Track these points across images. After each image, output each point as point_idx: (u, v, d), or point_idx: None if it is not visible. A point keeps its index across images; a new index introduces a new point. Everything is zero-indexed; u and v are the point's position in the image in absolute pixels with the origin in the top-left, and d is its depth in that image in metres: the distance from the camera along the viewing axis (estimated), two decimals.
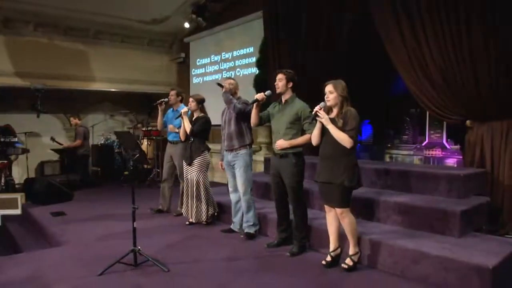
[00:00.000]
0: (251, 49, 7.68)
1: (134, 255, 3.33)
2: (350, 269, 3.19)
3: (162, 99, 5.34)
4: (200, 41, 9.05)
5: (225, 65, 8.38)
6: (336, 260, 3.31)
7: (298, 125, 3.58)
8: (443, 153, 6.02)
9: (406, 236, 3.37)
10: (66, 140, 9.70)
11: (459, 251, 2.97)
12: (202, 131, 4.54)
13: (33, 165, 8.91)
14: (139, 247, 3.34)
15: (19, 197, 6.04)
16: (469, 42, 4.11)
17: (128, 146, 3.41)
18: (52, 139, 7.39)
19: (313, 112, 3.09)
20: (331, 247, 3.33)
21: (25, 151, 8.00)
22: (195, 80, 9.35)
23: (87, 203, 6.14)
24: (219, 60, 8.57)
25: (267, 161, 5.84)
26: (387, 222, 3.73)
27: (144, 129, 8.21)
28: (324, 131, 3.14)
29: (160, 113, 5.30)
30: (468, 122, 4.42)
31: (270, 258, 3.55)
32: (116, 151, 8.80)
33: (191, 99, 4.62)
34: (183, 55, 9.58)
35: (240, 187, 4.06)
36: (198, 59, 9.19)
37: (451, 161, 5.69)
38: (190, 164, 4.59)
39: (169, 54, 9.91)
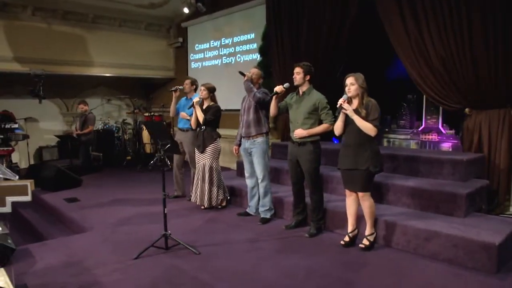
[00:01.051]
0: (252, 35, 7.75)
1: (165, 239, 3.54)
2: (367, 248, 3.48)
3: (177, 86, 5.47)
4: (199, 26, 9.04)
5: (225, 50, 8.44)
6: (353, 240, 3.61)
7: (316, 115, 3.79)
8: (439, 137, 6.35)
9: (416, 217, 3.67)
10: (64, 125, 9.72)
11: (466, 229, 3.29)
12: (214, 119, 4.71)
13: (31, 150, 8.89)
14: (169, 232, 3.55)
15: (29, 184, 6.09)
16: (470, 33, 4.36)
17: (158, 136, 3.55)
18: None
19: (338, 105, 3.31)
20: (349, 228, 3.61)
21: (25, 137, 8.01)
22: (193, 65, 9.38)
23: (94, 188, 6.27)
24: (218, 46, 8.61)
25: (274, 146, 6.06)
26: (397, 204, 4.03)
27: (146, 114, 8.28)
28: (347, 121, 3.36)
29: (173, 100, 5.43)
30: (466, 110, 4.72)
31: (291, 239, 3.82)
32: (115, 135, 8.86)
33: (202, 88, 4.75)
34: (180, 39, 9.56)
35: (259, 174, 4.28)
36: (197, 44, 9.20)
37: (446, 145, 6.02)
38: (202, 151, 4.75)
39: (167, 39, 9.87)
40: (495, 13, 4.16)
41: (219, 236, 3.93)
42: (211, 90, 4.79)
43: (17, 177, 3.83)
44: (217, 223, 4.38)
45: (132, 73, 9.37)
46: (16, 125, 7.86)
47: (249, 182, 4.55)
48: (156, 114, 8.19)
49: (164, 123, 8.35)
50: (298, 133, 3.79)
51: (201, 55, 9.14)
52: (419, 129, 6.68)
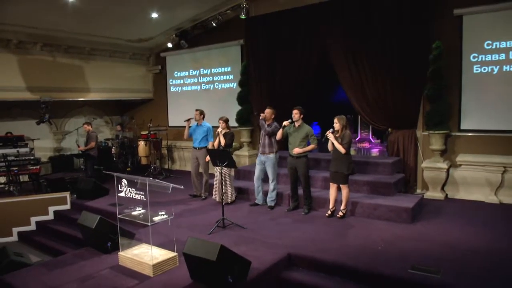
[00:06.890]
0: (229, 69, 9.85)
1: (223, 221, 5.60)
2: (342, 217, 5.92)
3: (190, 117, 7.42)
4: (178, 56, 10.84)
5: (204, 79, 10.41)
6: (333, 213, 6.02)
7: (306, 139, 6.12)
8: (369, 145, 9.18)
9: (367, 198, 6.22)
10: (54, 142, 10.83)
11: (395, 201, 5.90)
12: (231, 142, 6.84)
13: None
14: (225, 217, 5.61)
15: (68, 195, 7.55)
16: (392, 84, 7.12)
17: (217, 158, 5.60)
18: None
19: (325, 135, 5.67)
20: (331, 206, 6.02)
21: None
22: (172, 89, 11.16)
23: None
24: (197, 75, 10.54)
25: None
26: (353, 191, 6.55)
27: (144, 132, 9.93)
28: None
29: (187, 127, 7.37)
30: (389, 129, 7.50)
31: (295, 216, 6.11)
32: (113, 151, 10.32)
33: (221, 121, 6.79)
34: (159, 67, 11.29)
35: (270, 177, 6.51)
36: (176, 72, 11.01)
37: (375, 151, 8.84)
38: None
39: (146, 65, 11.52)
40: (409, 73, 6.93)
41: (249, 218, 6.06)
42: (227, 121, 6.87)
43: None
44: (240, 211, 6.50)
45: (119, 96, 10.89)
46: (27, 146, 9.00)
47: (256, 182, 6.74)
48: (152, 132, 9.87)
49: (157, 140, 10.14)
50: (297, 150, 6.09)
51: (180, 81, 10.97)
52: (356, 140, 9.46)
